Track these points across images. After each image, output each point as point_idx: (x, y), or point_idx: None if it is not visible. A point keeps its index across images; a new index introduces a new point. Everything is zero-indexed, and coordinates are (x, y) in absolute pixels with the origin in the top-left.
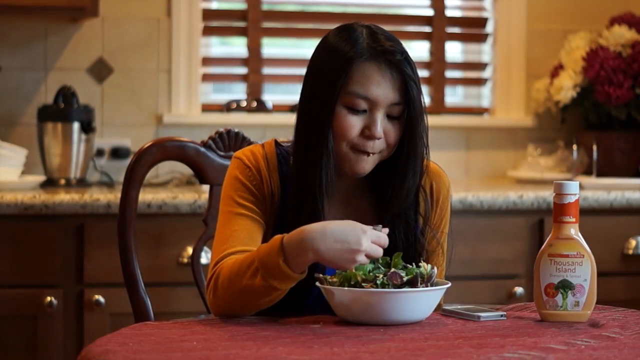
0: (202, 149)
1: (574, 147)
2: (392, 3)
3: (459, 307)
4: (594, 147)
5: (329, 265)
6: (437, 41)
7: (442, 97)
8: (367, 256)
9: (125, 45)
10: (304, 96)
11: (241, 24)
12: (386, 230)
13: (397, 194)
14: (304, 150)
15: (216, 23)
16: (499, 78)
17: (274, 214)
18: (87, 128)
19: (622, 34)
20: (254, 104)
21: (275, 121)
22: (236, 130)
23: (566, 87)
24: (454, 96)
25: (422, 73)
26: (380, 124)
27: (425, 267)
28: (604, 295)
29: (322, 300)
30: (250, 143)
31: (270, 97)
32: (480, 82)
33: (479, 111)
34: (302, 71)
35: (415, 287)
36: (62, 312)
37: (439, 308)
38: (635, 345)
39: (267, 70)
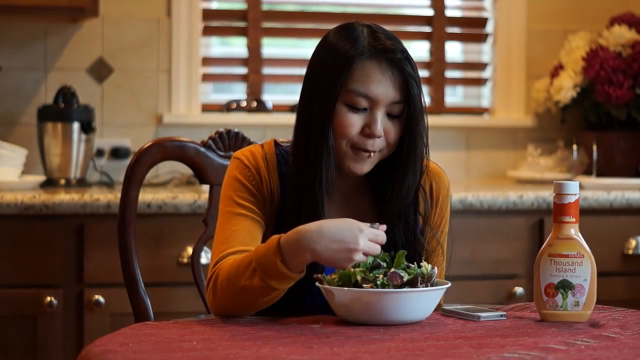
0: (202, 149)
1: (574, 147)
2: (392, 3)
3: (459, 307)
4: (594, 147)
5: (326, 265)
6: (437, 41)
7: (442, 97)
8: (365, 254)
9: (125, 45)
10: (304, 95)
11: (241, 24)
12: (383, 227)
13: (396, 193)
14: (304, 149)
15: (216, 23)
16: (499, 78)
17: (274, 214)
18: (87, 128)
19: (622, 34)
20: (254, 104)
21: (275, 121)
22: (236, 130)
23: (566, 87)
24: (454, 96)
25: (422, 73)
26: (381, 122)
27: (426, 267)
28: (604, 295)
29: (322, 300)
30: (250, 143)
31: (270, 97)
32: (480, 82)
33: (479, 111)
34: (302, 71)
35: (415, 287)
36: (62, 312)
37: (439, 308)
38: (635, 345)
39: (267, 70)
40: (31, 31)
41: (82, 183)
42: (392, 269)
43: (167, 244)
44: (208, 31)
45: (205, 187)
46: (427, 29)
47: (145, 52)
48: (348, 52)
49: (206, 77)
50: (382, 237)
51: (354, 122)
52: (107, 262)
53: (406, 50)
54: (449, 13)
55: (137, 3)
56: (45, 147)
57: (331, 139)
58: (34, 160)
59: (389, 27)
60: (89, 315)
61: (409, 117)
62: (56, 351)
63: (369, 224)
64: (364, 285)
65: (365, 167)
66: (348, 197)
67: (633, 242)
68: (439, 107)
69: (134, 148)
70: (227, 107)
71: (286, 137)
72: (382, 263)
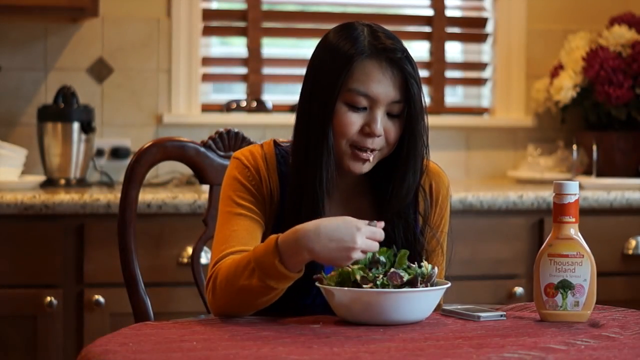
0: (202, 149)
1: (574, 147)
2: (392, 3)
3: (459, 307)
4: (594, 147)
5: (325, 263)
6: (437, 41)
7: (442, 97)
8: (363, 252)
9: (125, 45)
10: (304, 95)
11: (241, 24)
12: (381, 224)
13: (397, 193)
14: (304, 149)
15: (216, 23)
16: (499, 78)
17: (273, 214)
18: (87, 128)
19: (622, 34)
20: (254, 104)
21: (275, 121)
22: (236, 130)
23: (566, 87)
24: (453, 96)
25: (422, 73)
26: (380, 121)
27: (426, 267)
28: (604, 295)
29: (322, 299)
30: (250, 143)
31: (270, 97)
32: (480, 82)
33: (478, 111)
34: (302, 71)
35: (415, 287)
36: (62, 312)
37: (438, 308)
38: (635, 345)
39: (267, 70)
40: (31, 31)
41: (82, 183)
42: (392, 269)
43: (167, 244)
44: (208, 31)
45: (205, 187)
46: (427, 29)
47: (145, 52)
48: (348, 51)
49: (206, 77)
50: (380, 234)
51: (354, 121)
52: (107, 262)
53: (406, 50)
54: (449, 13)
55: (137, 3)
56: (45, 147)
57: (331, 138)
58: (34, 160)
59: (389, 27)
60: (89, 315)
61: (409, 116)
62: (56, 351)
63: (366, 222)
64: (364, 285)
65: (365, 166)
66: (348, 196)
67: (633, 242)
68: (439, 107)
69: (134, 148)
70: (227, 107)
71: (286, 137)
72: (381, 258)
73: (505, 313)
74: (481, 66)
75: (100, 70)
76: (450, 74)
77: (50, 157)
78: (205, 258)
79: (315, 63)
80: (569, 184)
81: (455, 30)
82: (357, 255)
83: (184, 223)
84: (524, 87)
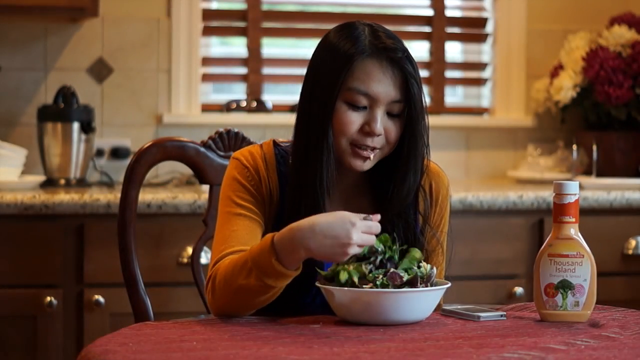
0: (202, 149)
1: (574, 147)
2: (392, 3)
3: (459, 307)
4: (594, 147)
5: (322, 260)
6: (437, 41)
7: (442, 97)
8: (360, 246)
9: (125, 45)
10: (304, 94)
11: (241, 24)
12: (377, 217)
13: (397, 192)
14: (304, 148)
15: (216, 23)
16: (499, 78)
17: (273, 214)
18: (87, 128)
19: (622, 34)
20: (254, 104)
21: (275, 121)
22: (236, 130)
23: (566, 87)
24: (453, 96)
25: (422, 73)
26: (380, 120)
27: (425, 267)
28: (604, 295)
29: (321, 299)
30: (250, 143)
31: (270, 97)
32: (480, 82)
33: (478, 111)
34: (302, 71)
35: (414, 287)
36: (62, 312)
37: (438, 308)
38: (635, 345)
39: (267, 70)
40: (31, 31)
41: (82, 183)
42: (391, 270)
43: (167, 244)
44: (208, 31)
45: (205, 187)
46: (427, 29)
47: (145, 52)
48: (349, 50)
49: (206, 77)
50: (376, 228)
51: (354, 120)
52: (107, 262)
53: (407, 50)
54: (449, 13)
55: (137, 3)
56: (45, 147)
57: (331, 137)
58: (34, 160)
59: (389, 27)
60: (89, 315)
61: (409, 116)
62: (56, 351)
63: (362, 215)
64: (364, 285)
65: (366, 164)
66: (348, 196)
67: (633, 242)
68: (439, 107)
69: (134, 148)
70: (227, 107)
71: (286, 137)
72: (378, 249)
73: (505, 313)
74: (481, 66)
75: (100, 70)
76: (450, 74)
77: (50, 157)
78: (205, 258)
79: (315, 62)
80: (569, 184)
81: (455, 30)
82: (353, 250)
83: (183, 223)
84: (524, 87)
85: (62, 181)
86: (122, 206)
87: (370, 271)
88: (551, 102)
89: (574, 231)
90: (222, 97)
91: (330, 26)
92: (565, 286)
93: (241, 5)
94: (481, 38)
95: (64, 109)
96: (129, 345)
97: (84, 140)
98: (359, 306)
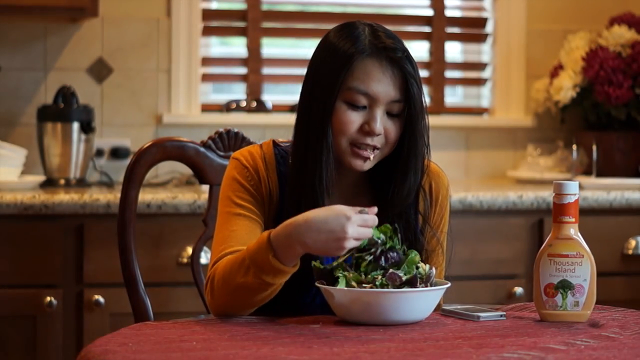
0: (202, 149)
1: (574, 147)
2: (391, 3)
3: (459, 307)
4: (594, 147)
5: (319, 255)
6: (436, 41)
7: (441, 97)
8: (357, 240)
9: (125, 45)
10: (304, 94)
11: (241, 24)
12: (374, 210)
13: (398, 192)
14: (304, 147)
15: (216, 23)
16: (499, 78)
17: (272, 214)
18: (87, 128)
19: (621, 34)
20: (254, 104)
21: (275, 121)
22: (236, 130)
23: (566, 87)
24: (453, 96)
25: (422, 73)
26: (380, 120)
27: (423, 267)
28: (604, 295)
29: (321, 298)
30: (249, 143)
31: (270, 97)
32: (479, 82)
33: (478, 111)
34: (302, 71)
35: (414, 287)
36: (62, 312)
37: (438, 308)
38: (634, 345)
39: (266, 71)
40: (31, 31)
41: (81, 183)
42: (390, 270)
43: (167, 244)
44: (208, 31)
45: (205, 187)
46: (426, 29)
47: (145, 52)
48: (349, 50)
49: (206, 77)
50: (372, 221)
51: (353, 119)
52: (107, 262)
53: (407, 50)
54: (449, 13)
55: (137, 3)
56: (44, 147)
57: (330, 137)
58: (34, 160)
59: (389, 27)
60: (89, 315)
61: (409, 116)
62: (56, 351)
63: (358, 209)
64: (364, 285)
65: (366, 164)
66: (348, 197)
67: (633, 242)
68: (438, 107)
69: (134, 148)
70: (226, 107)
71: (286, 137)
72: (378, 240)
73: (505, 313)
74: (481, 66)
75: (100, 70)
76: (450, 74)
77: (50, 157)
78: (205, 258)
79: (315, 62)
80: (568, 184)
81: (455, 30)
82: (349, 244)
83: (183, 223)
84: (523, 87)
85: (62, 181)
86: (121, 206)
87: (370, 262)
88: (551, 102)
89: (573, 231)
90: (222, 97)
91: (330, 26)
92: (565, 286)
93: (241, 5)
94: (481, 38)
95: (64, 109)
96: (128, 345)
97: (84, 140)
98: (358, 306)
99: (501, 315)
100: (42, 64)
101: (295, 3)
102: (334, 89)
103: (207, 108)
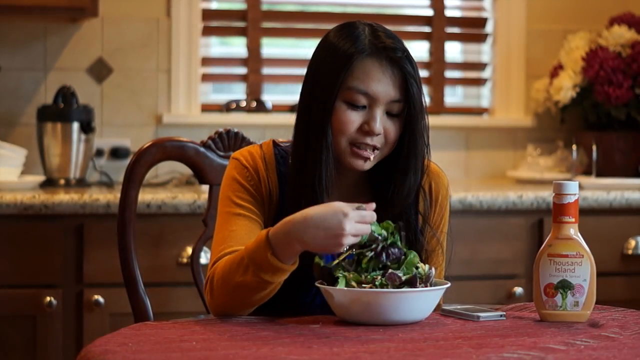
0: (202, 149)
1: (574, 147)
2: (391, 3)
3: (459, 307)
4: (594, 147)
5: (317, 252)
6: (436, 41)
7: (441, 97)
8: (356, 236)
9: (125, 45)
10: (304, 94)
11: (241, 24)
12: (372, 205)
13: (398, 192)
14: (304, 147)
15: (216, 23)
16: (499, 78)
17: (272, 214)
18: (87, 128)
19: (621, 34)
20: (254, 104)
21: (275, 121)
22: (236, 130)
23: (566, 87)
24: (453, 96)
25: (422, 73)
26: (380, 120)
27: (422, 267)
28: (604, 295)
29: (320, 298)
30: (249, 143)
31: (270, 97)
32: (479, 82)
33: (478, 111)
34: (302, 71)
35: (414, 288)
36: (62, 312)
37: (438, 308)
38: (634, 345)
39: (266, 71)
40: (31, 31)
41: (81, 183)
42: (390, 270)
43: (167, 244)
44: (208, 31)
45: (205, 187)
46: (426, 29)
47: (145, 52)
48: (348, 49)
49: (206, 77)
50: (370, 217)
51: (353, 119)
52: (107, 262)
53: (407, 50)
54: (449, 13)
55: (137, 3)
56: (44, 147)
57: (330, 136)
58: (34, 160)
59: (389, 27)
60: (89, 316)
61: (408, 116)
62: (55, 351)
63: (355, 205)
64: (363, 285)
65: (366, 164)
66: (348, 197)
67: (632, 242)
68: (438, 107)
69: (134, 148)
70: (226, 107)
71: (286, 137)
72: (378, 236)
73: (504, 313)
74: (481, 66)
75: (99, 70)
76: (449, 74)
77: (49, 157)
78: (204, 258)
79: (315, 62)
80: (568, 184)
81: (455, 30)
82: (347, 240)
83: (183, 223)
84: (523, 87)
85: (62, 181)
86: (121, 206)
87: (371, 258)
88: (551, 102)
89: (573, 231)
90: (221, 97)
91: (330, 26)
92: (564, 286)
93: (241, 5)
94: (481, 38)
95: (64, 109)
96: (128, 345)
97: (84, 140)
98: (358, 306)
99: (501, 315)
100: (42, 64)
101: (295, 3)
102: (333, 89)
103: (207, 108)
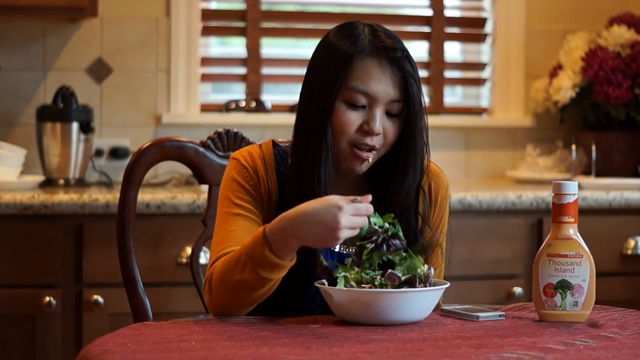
0: (201, 149)
1: (573, 147)
2: (391, 3)
3: (458, 307)
4: (593, 147)
5: (314, 247)
6: (436, 41)
7: (441, 97)
8: (353, 229)
9: (124, 45)
10: (304, 94)
11: (240, 24)
12: (368, 198)
13: (397, 192)
14: (303, 147)
15: (215, 23)
16: (498, 78)
17: (271, 214)
18: (86, 128)
19: (621, 34)
20: (253, 104)
21: (274, 121)
22: (235, 130)
23: (565, 87)
24: (453, 96)
25: (421, 73)
26: (379, 120)
27: (421, 267)
28: (603, 295)
29: (320, 298)
30: (249, 143)
31: (269, 97)
32: (479, 82)
33: (478, 111)
34: (301, 71)
35: (413, 288)
36: (61, 312)
37: (437, 308)
38: (633, 345)
39: (266, 71)
40: (30, 31)
41: (81, 183)
42: (389, 270)
43: (166, 244)
44: (207, 31)
45: (204, 187)
46: (426, 29)
47: (144, 52)
48: (348, 49)
49: (205, 77)
50: (366, 209)
51: (353, 119)
52: (106, 262)
53: (406, 50)
54: (448, 13)
55: (136, 3)
56: (44, 147)
57: (330, 136)
58: (33, 160)
59: (388, 27)
60: (88, 316)
61: (408, 116)
62: (55, 351)
63: (350, 198)
64: (363, 285)
65: (363, 166)
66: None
67: (632, 242)
68: (438, 107)
69: (133, 148)
70: (226, 107)
71: (285, 137)
72: (378, 228)
73: (504, 313)
74: (480, 66)
75: (99, 70)
76: (449, 74)
77: (49, 157)
78: (204, 258)
79: (315, 62)
80: (568, 184)
81: (455, 30)
82: (343, 234)
83: (182, 223)
84: (523, 87)
85: (61, 181)
86: (121, 206)
87: (372, 250)
88: (550, 102)
89: (573, 231)
90: (221, 97)
91: (330, 26)
92: (564, 286)
93: (240, 5)
94: (480, 38)
95: (63, 109)
96: (127, 345)
97: (83, 140)
98: (357, 306)
99: (500, 315)
100: (41, 64)
101: (295, 3)
102: (333, 89)
103: (206, 108)
